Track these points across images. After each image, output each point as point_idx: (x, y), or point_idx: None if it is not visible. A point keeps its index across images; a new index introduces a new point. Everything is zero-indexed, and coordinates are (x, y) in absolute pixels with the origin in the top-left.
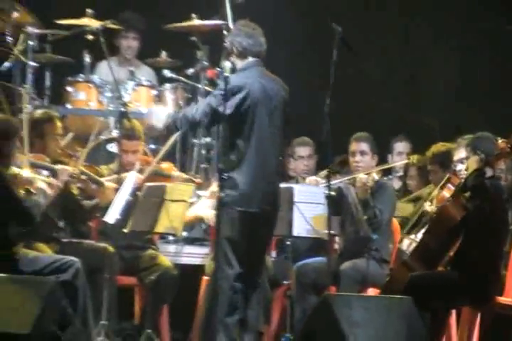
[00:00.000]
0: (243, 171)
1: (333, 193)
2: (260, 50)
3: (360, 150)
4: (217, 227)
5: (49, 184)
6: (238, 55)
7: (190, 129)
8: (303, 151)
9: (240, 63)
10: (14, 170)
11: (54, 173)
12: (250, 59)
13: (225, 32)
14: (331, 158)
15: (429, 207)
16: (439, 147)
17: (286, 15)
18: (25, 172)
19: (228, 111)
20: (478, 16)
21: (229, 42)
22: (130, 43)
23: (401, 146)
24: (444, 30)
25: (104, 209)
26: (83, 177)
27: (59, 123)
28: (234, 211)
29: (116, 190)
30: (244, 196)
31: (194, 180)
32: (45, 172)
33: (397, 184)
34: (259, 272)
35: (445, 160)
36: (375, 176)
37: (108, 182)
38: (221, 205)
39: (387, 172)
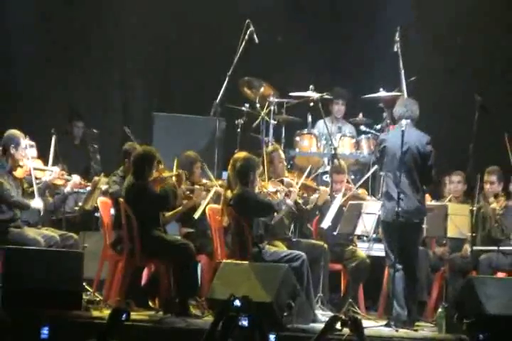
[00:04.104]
0: (386, 195)
1: (474, 209)
2: (410, 115)
3: (490, 181)
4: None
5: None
6: (396, 118)
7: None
8: (455, 178)
9: (399, 117)
10: (260, 188)
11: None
12: (403, 121)
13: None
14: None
15: None
16: None
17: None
18: (270, 188)
19: (377, 155)
20: None
21: (393, 111)
22: (339, 108)
23: None
24: None
25: (321, 208)
26: (303, 189)
27: (281, 152)
28: (383, 222)
29: (329, 194)
30: (385, 212)
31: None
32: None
33: None
34: (410, 261)
35: None
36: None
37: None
38: (381, 218)
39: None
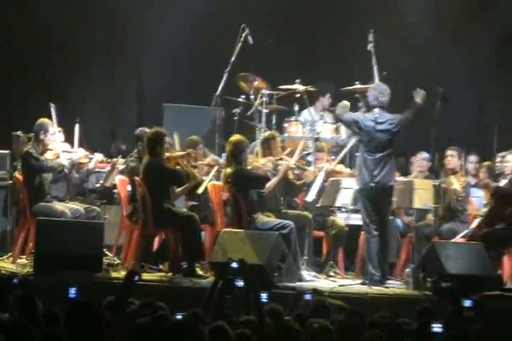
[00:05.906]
0: (364, 167)
1: (437, 184)
2: (383, 103)
3: (451, 154)
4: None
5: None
6: (371, 101)
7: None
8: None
9: (371, 106)
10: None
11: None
12: (377, 106)
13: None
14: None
15: None
16: None
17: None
18: (262, 161)
19: (355, 129)
20: None
21: (370, 94)
22: (328, 100)
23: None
24: None
25: (309, 185)
26: (295, 167)
27: (279, 139)
28: (361, 190)
29: (315, 174)
30: (361, 181)
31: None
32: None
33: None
34: (383, 228)
35: None
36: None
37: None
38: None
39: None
